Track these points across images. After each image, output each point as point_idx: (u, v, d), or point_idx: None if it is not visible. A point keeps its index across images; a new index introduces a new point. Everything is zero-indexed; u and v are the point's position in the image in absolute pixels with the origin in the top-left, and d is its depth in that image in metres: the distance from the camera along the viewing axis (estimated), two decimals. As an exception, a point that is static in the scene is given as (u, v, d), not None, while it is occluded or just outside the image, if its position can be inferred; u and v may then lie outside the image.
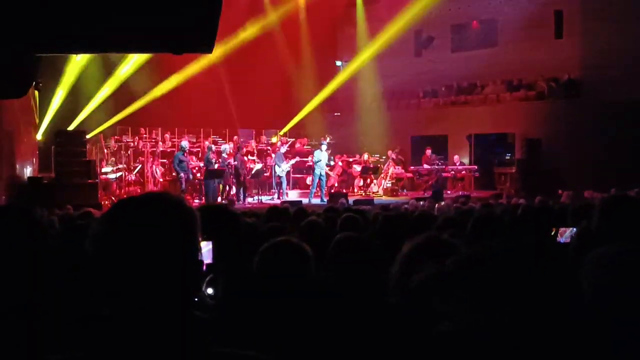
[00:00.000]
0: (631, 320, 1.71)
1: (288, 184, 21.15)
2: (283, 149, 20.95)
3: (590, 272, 1.79)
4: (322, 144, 20.35)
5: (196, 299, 2.34)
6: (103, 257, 1.63)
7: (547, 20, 22.90)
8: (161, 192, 1.83)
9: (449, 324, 1.56)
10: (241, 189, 19.34)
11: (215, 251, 2.80)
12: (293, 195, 20.75)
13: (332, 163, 20.90)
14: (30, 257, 2.59)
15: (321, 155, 19.59)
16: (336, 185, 22.32)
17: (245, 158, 20.22)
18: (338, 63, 28.34)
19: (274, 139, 23.70)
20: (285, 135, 24.77)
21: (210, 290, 2.75)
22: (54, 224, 7.18)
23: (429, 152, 22.70)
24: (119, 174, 19.72)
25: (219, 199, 18.29)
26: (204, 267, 2.88)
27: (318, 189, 19.82)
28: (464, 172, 22.48)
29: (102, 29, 6.53)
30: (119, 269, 1.61)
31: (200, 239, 1.75)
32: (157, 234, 1.63)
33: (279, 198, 19.83)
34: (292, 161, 20.94)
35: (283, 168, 20.12)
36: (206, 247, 2.84)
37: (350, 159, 23.23)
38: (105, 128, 21.65)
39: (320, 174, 19.60)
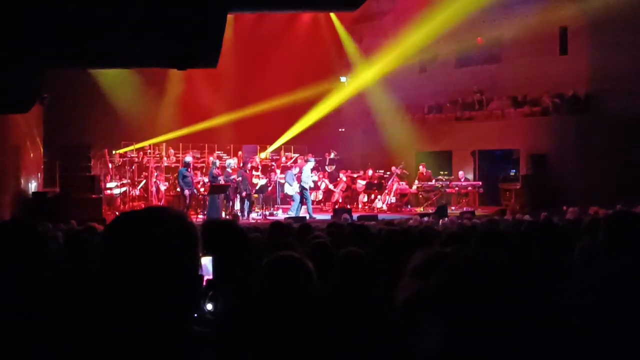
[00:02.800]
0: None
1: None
2: (295, 170, 20.96)
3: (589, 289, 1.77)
4: (309, 160, 20.33)
5: (196, 315, 2.32)
6: (104, 270, 1.63)
7: (551, 36, 22.94)
8: (162, 206, 1.83)
9: (431, 342, 1.53)
10: (245, 205, 19.31)
11: (216, 266, 2.79)
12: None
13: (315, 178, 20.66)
14: (32, 270, 2.59)
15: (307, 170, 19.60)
16: (340, 200, 22.30)
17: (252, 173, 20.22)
18: (342, 79, 28.41)
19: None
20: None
21: (209, 306, 2.73)
22: (58, 239, 7.18)
23: (422, 168, 22.67)
24: (123, 189, 19.74)
25: (223, 214, 18.27)
26: (204, 283, 2.88)
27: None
28: (468, 188, 22.45)
29: (107, 44, 6.56)
30: (119, 282, 1.60)
31: (200, 253, 1.75)
32: (157, 248, 1.63)
33: (284, 213, 19.85)
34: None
35: (294, 187, 20.11)
36: (207, 263, 2.83)
37: (355, 175, 23.22)
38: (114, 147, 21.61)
39: (305, 189, 19.55)
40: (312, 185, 19.82)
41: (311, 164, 20.03)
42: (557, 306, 2.39)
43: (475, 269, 1.56)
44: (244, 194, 19.04)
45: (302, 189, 19.48)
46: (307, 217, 18.33)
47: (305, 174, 19.53)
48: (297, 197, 20.10)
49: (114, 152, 21.01)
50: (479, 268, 1.56)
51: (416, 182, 22.51)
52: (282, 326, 2.79)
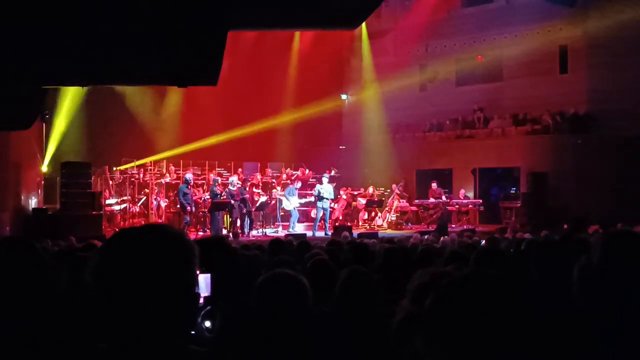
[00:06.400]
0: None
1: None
2: (298, 185, 20.91)
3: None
4: (324, 176, 20.28)
5: (193, 332, 2.31)
6: (100, 287, 1.63)
7: (552, 55, 23.03)
8: (160, 223, 1.82)
9: None
10: (246, 222, 19.28)
11: (214, 284, 2.78)
12: (298, 228, 20.65)
13: (333, 196, 20.51)
14: (29, 287, 2.58)
15: (322, 188, 19.48)
16: (340, 218, 22.26)
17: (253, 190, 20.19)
18: (343, 96, 28.49)
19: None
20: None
21: (207, 323, 2.72)
22: (57, 255, 7.16)
23: (434, 185, 22.68)
24: (123, 205, 19.72)
25: (225, 231, 18.24)
26: (202, 300, 2.88)
27: (322, 222, 19.72)
28: (469, 205, 22.43)
29: (107, 62, 6.58)
30: (116, 299, 1.60)
31: (198, 271, 1.74)
32: (154, 265, 1.63)
33: (284, 230, 19.81)
34: (303, 200, 20.88)
35: (292, 202, 20.07)
36: (205, 280, 2.82)
37: (355, 192, 23.19)
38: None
39: (323, 207, 19.48)
40: (324, 202, 19.64)
41: (322, 182, 19.93)
42: (556, 324, 2.38)
43: (466, 291, 1.54)
44: (244, 210, 19.04)
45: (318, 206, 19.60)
46: (309, 233, 18.32)
47: (316, 193, 19.61)
48: (295, 213, 20.06)
49: (114, 168, 20.98)
50: (470, 289, 1.55)
51: (431, 199, 22.50)
52: (277, 344, 2.78)
